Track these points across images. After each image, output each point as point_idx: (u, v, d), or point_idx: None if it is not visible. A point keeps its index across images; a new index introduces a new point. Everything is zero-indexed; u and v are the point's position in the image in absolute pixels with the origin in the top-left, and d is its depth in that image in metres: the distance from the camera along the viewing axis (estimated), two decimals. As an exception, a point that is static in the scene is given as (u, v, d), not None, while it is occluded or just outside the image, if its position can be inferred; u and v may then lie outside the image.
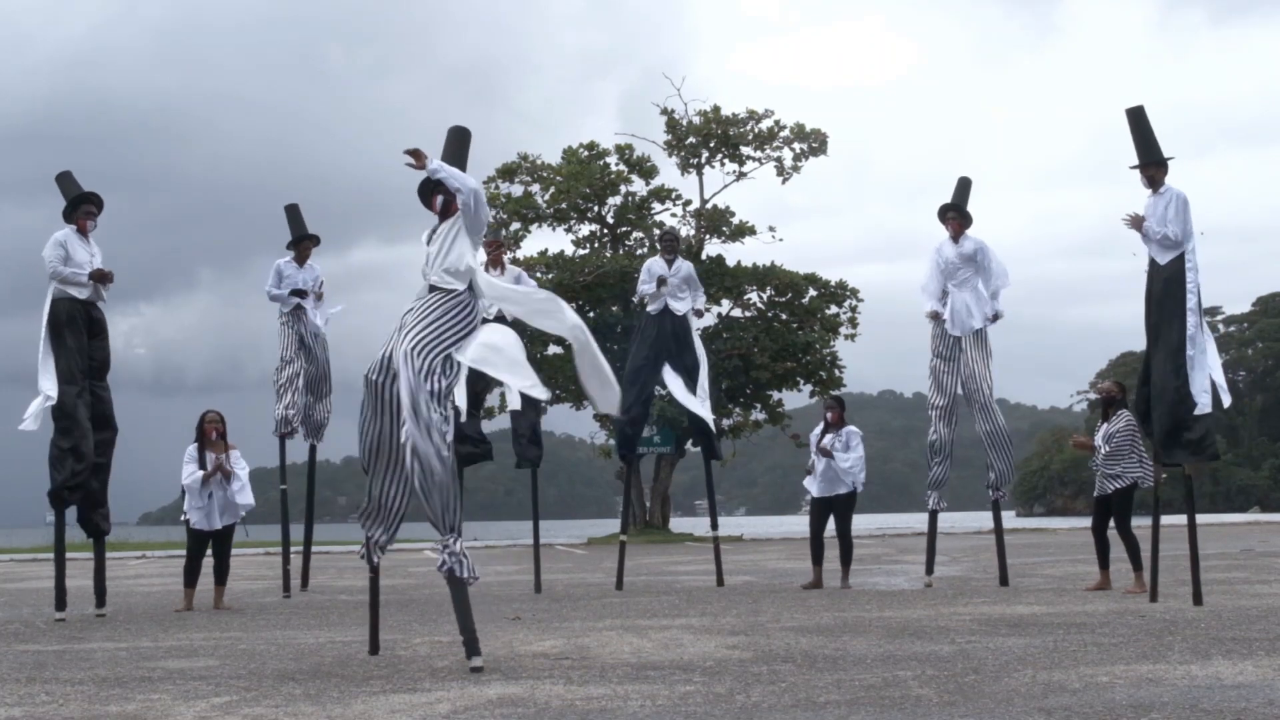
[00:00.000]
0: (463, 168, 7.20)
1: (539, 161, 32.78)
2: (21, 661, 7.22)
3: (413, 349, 6.57)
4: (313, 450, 13.30)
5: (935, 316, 11.76)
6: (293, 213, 12.94)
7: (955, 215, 11.80)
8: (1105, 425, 11.01)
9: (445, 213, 7.07)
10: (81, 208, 10.30)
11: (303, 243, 12.86)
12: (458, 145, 7.42)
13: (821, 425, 12.22)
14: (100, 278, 10.17)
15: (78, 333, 10.06)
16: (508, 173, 32.70)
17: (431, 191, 7.15)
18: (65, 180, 10.45)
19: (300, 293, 12.66)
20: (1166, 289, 9.39)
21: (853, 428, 12.08)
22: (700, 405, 12.42)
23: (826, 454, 11.81)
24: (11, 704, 5.60)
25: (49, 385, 9.89)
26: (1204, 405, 9.21)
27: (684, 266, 12.63)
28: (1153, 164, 9.62)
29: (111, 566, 20.62)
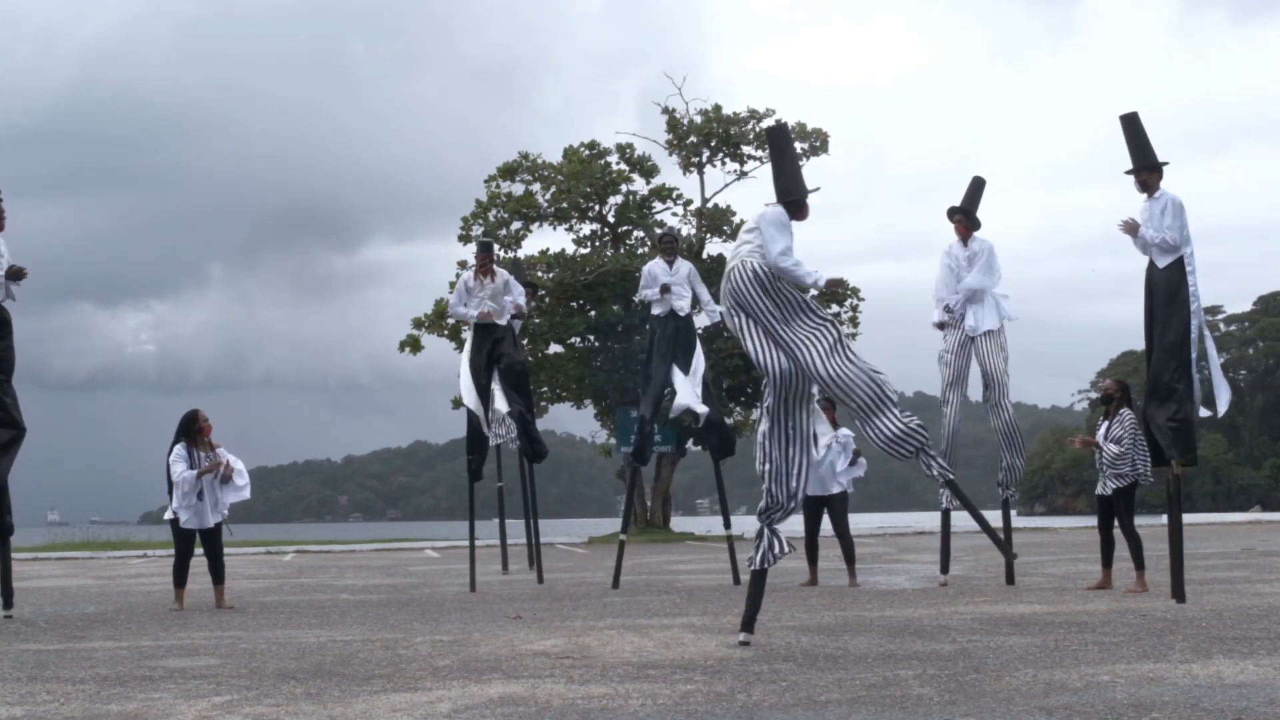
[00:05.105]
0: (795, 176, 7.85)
1: (540, 160, 32.79)
2: (23, 660, 7.22)
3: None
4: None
5: (942, 328, 11.60)
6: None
7: (961, 218, 11.61)
8: (1106, 423, 10.99)
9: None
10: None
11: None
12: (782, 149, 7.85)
13: None
14: (17, 275, 9.89)
15: None
16: (509, 171, 32.70)
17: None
18: None
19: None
20: (1165, 293, 9.44)
21: (846, 430, 12.28)
22: (695, 400, 12.42)
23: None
24: (13, 703, 5.60)
25: None
26: (1223, 404, 9.28)
27: (684, 266, 12.73)
28: (1145, 169, 9.64)
29: (113, 565, 20.71)
